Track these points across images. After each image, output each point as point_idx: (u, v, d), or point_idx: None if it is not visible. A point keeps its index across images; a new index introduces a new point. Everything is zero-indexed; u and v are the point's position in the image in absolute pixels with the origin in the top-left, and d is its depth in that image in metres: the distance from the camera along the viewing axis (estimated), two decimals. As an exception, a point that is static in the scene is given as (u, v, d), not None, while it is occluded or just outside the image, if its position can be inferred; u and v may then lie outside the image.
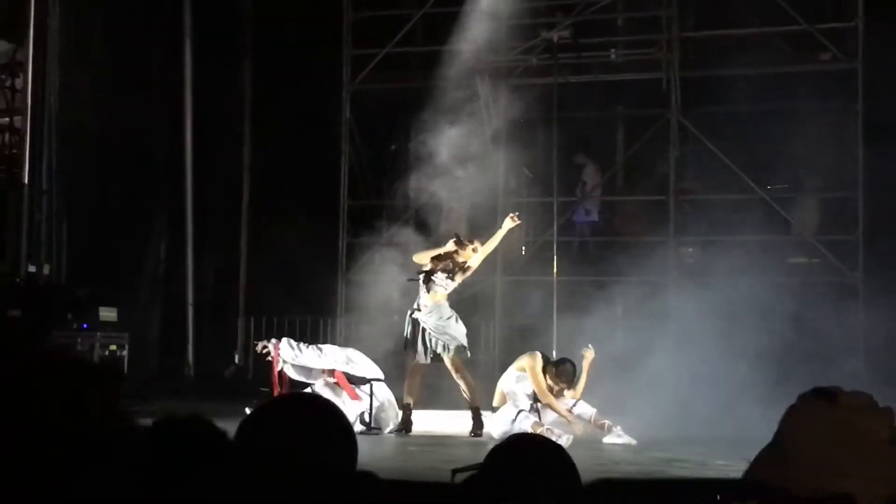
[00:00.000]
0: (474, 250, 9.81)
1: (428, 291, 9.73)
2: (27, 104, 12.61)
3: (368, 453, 8.10)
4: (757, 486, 1.74)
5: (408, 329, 9.80)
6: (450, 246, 9.82)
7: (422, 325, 9.67)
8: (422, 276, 9.79)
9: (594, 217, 14.43)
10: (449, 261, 9.74)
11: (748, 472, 1.83)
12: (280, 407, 2.07)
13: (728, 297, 11.71)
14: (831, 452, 1.74)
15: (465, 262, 9.76)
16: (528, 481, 2.07)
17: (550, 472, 2.11)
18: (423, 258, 9.85)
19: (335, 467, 1.80)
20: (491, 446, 2.24)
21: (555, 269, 12.45)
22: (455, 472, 2.11)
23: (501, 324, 13.24)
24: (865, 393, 1.82)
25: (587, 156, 14.47)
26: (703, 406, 9.42)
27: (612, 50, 13.40)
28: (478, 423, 9.45)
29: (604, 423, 9.20)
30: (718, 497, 1.53)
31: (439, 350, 9.64)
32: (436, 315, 9.68)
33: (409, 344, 9.74)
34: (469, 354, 9.89)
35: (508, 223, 9.77)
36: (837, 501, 1.68)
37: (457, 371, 9.66)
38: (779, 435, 1.83)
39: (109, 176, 13.62)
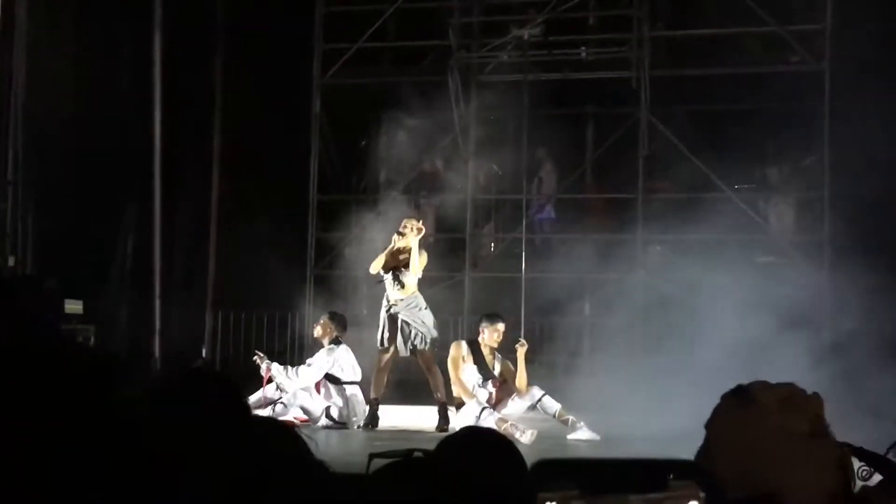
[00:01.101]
0: (412, 229, 9.81)
1: (402, 286, 9.74)
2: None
3: (335, 448, 8.07)
4: (701, 468, 1.74)
5: (384, 325, 9.78)
6: (398, 241, 9.83)
7: (401, 318, 9.68)
8: (388, 276, 9.78)
9: (551, 214, 14.45)
10: (406, 254, 9.78)
11: None
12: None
13: (695, 295, 11.78)
14: (752, 452, 1.74)
15: (410, 247, 9.80)
16: (476, 474, 2.07)
17: (498, 466, 2.11)
18: (378, 264, 9.86)
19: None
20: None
21: (523, 266, 12.47)
22: (372, 456, 2.11)
23: (470, 320, 13.24)
24: (788, 384, 1.81)
25: (547, 153, 14.50)
26: (670, 403, 9.45)
27: (583, 48, 13.44)
28: (444, 419, 9.48)
29: (568, 419, 9.21)
30: (667, 475, 1.54)
31: (417, 343, 9.66)
32: (413, 305, 9.73)
33: (388, 340, 9.73)
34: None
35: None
36: (763, 502, 1.68)
37: (429, 365, 9.70)
38: (706, 437, 1.84)
39: (77, 167, 13.51)
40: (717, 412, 1.82)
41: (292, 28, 14.27)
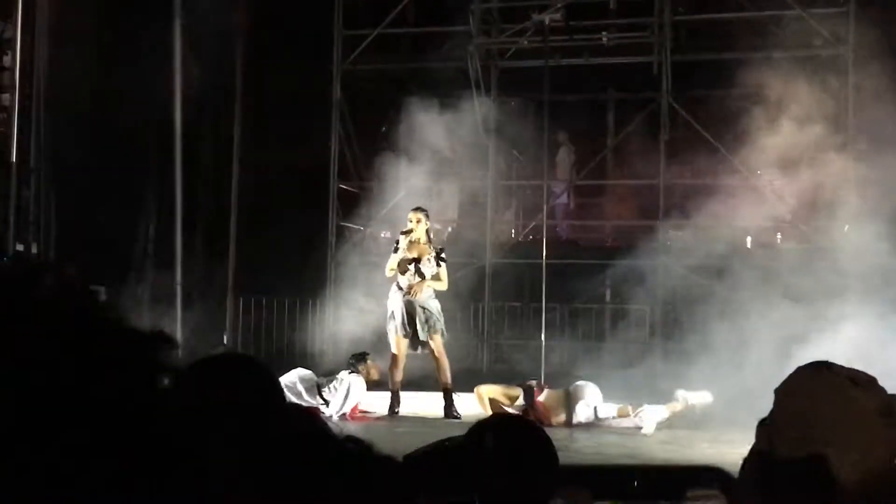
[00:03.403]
0: (418, 221, 9.77)
1: (421, 277, 9.73)
2: (15, 81, 12.52)
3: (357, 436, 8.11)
4: (724, 474, 1.74)
5: (402, 313, 9.76)
6: (404, 240, 9.78)
7: (418, 305, 9.66)
8: (411, 267, 9.75)
9: (564, 200, 14.40)
10: (415, 250, 9.76)
11: (756, 441, 1.85)
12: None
13: (717, 281, 11.75)
14: (816, 419, 1.75)
15: (421, 240, 9.77)
16: (507, 461, 2.07)
17: (530, 455, 2.11)
18: (392, 265, 9.83)
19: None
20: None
21: (543, 252, 12.46)
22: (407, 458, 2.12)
23: (490, 306, 13.25)
24: (861, 371, 1.83)
25: (567, 138, 14.47)
26: (692, 387, 9.44)
27: (604, 33, 13.37)
28: (450, 405, 9.51)
29: (627, 410, 9.08)
30: (687, 481, 1.54)
31: (434, 332, 9.64)
32: (428, 295, 9.73)
33: (408, 325, 9.72)
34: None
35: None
36: (812, 463, 1.68)
37: (441, 353, 9.69)
38: (775, 401, 1.85)
39: (98, 155, 13.55)
40: (791, 377, 1.84)
41: (313, 14, 14.26)
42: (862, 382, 1.78)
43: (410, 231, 9.78)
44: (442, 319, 9.78)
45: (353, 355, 9.98)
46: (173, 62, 13.87)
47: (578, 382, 9.37)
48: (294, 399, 9.13)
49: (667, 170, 13.15)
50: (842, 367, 1.82)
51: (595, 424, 8.93)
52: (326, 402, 9.41)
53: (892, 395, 1.80)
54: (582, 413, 9.01)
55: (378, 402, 9.88)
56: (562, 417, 9.10)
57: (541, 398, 9.17)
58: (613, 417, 8.97)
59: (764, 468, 1.78)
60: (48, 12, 12.66)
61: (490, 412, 9.02)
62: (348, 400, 9.47)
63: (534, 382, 9.49)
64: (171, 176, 14.07)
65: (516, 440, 2.14)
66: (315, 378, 9.65)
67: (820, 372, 1.78)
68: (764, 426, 1.79)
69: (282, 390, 1.89)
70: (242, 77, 14.53)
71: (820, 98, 12.64)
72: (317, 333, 13.72)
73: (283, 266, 13.19)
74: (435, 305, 9.76)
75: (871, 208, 10.72)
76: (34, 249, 12.90)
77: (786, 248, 12.71)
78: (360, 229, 14.65)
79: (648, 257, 13.03)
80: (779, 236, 12.70)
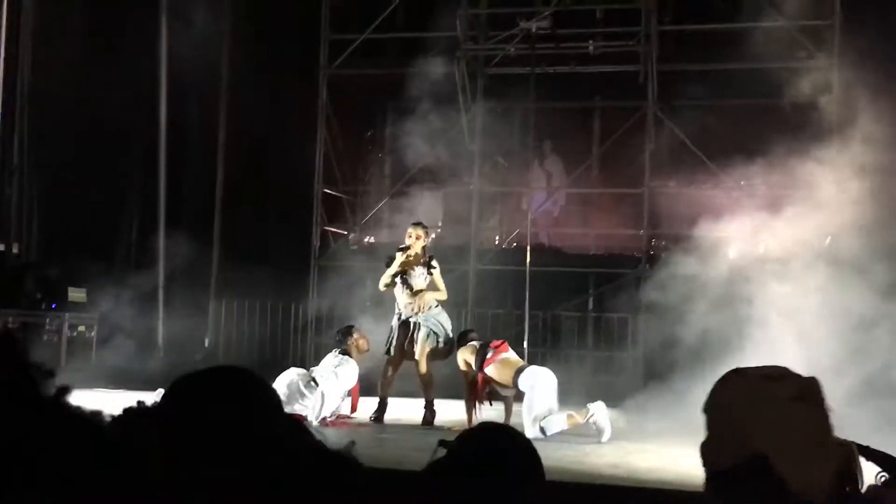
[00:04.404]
0: (418, 237, 9.71)
1: (411, 290, 9.63)
2: (-1, 80, 12.48)
3: (338, 441, 8.07)
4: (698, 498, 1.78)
5: (396, 333, 9.67)
6: (400, 257, 9.70)
7: (414, 324, 9.56)
8: (398, 281, 9.67)
9: (549, 207, 14.37)
10: (411, 259, 9.68)
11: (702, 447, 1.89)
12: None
13: (701, 291, 11.76)
14: (741, 420, 1.81)
15: (422, 254, 9.68)
16: (490, 470, 2.06)
17: (513, 463, 2.10)
18: (386, 280, 9.73)
19: None
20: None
21: (528, 260, 12.46)
22: (441, 443, 2.12)
23: (473, 312, 13.24)
24: (777, 366, 1.89)
25: (552, 146, 14.49)
26: (676, 398, 9.45)
27: (591, 42, 13.39)
28: (431, 412, 9.45)
29: (577, 420, 8.94)
30: None
31: (427, 339, 9.52)
32: (434, 311, 9.62)
33: (396, 349, 9.62)
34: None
35: None
36: (752, 464, 1.72)
37: (423, 370, 9.57)
38: (706, 419, 1.91)
39: (82, 154, 13.50)
40: (711, 393, 1.90)
41: (300, 17, 14.24)
42: (775, 376, 1.83)
43: (408, 248, 9.71)
44: (445, 335, 9.61)
45: (339, 331, 9.88)
46: (159, 63, 13.83)
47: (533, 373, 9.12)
48: (297, 396, 9.13)
49: (651, 178, 13.18)
50: (753, 367, 1.87)
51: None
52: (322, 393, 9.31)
53: (807, 379, 1.84)
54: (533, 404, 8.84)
55: (365, 408, 9.83)
56: (508, 392, 9.00)
57: (490, 370, 9.02)
58: (565, 429, 8.75)
59: (720, 487, 1.82)
60: (33, 12, 12.60)
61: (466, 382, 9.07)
62: (343, 383, 9.39)
63: (489, 350, 9.17)
64: (155, 177, 14.03)
65: (500, 451, 2.13)
66: (310, 374, 9.54)
67: (734, 379, 1.85)
68: (705, 446, 1.83)
69: (279, 405, 1.86)
70: (228, 79, 14.49)
71: (805, 109, 12.70)
72: (299, 338, 13.69)
73: (267, 270, 13.14)
74: (437, 321, 9.61)
75: (856, 219, 10.76)
76: (15, 249, 12.83)
77: (769, 259, 12.74)
78: (344, 234, 14.63)
79: (632, 266, 13.06)
80: (762, 247, 12.72)
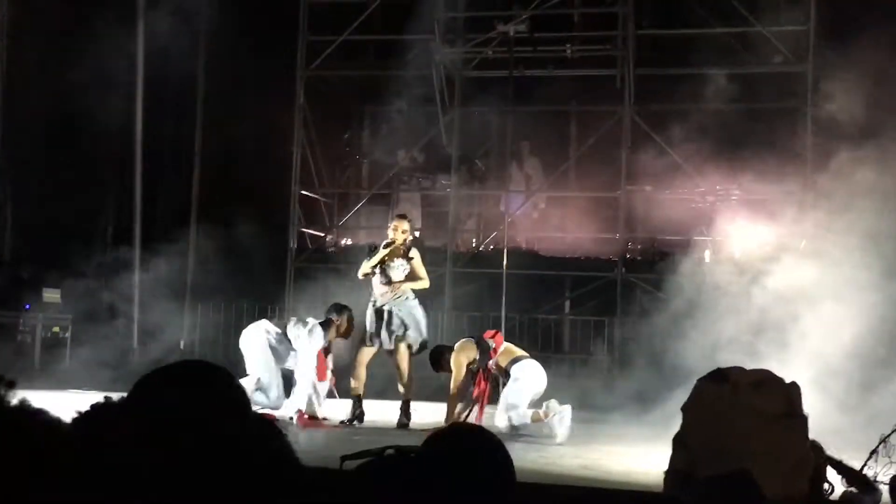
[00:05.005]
0: (404, 231, 9.73)
1: (389, 282, 9.63)
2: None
3: (310, 442, 7.98)
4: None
5: (370, 321, 9.67)
6: (385, 248, 9.72)
7: (386, 311, 9.56)
8: (377, 271, 9.67)
9: (526, 210, 14.37)
10: (393, 251, 9.68)
11: (669, 459, 1.86)
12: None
13: (675, 295, 11.81)
14: (725, 431, 1.78)
15: (403, 245, 9.69)
16: (462, 470, 2.06)
17: (485, 463, 2.10)
18: (365, 270, 9.73)
19: None
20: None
21: (504, 263, 12.48)
22: (344, 459, 2.11)
23: (450, 315, 13.24)
24: (763, 370, 1.86)
25: (531, 149, 14.51)
26: (647, 401, 9.49)
27: (568, 45, 13.44)
28: (403, 411, 9.45)
29: (540, 415, 9.07)
30: None
31: (400, 334, 9.54)
32: (403, 299, 9.62)
33: (372, 336, 9.63)
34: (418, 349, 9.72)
35: None
36: (735, 479, 1.71)
37: (401, 362, 9.58)
38: (683, 418, 1.88)
39: (57, 155, 13.42)
40: (693, 394, 1.87)
41: (277, 18, 14.21)
42: (762, 385, 1.81)
43: (392, 242, 9.71)
44: (417, 328, 9.62)
45: (334, 304, 9.93)
46: (136, 63, 13.77)
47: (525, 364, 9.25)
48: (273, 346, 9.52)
49: (628, 182, 13.23)
50: (739, 371, 1.85)
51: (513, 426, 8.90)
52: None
53: (792, 388, 1.82)
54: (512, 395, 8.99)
55: (338, 410, 9.82)
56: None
57: (491, 363, 9.18)
58: (528, 424, 8.95)
59: (687, 488, 1.81)
60: (8, 11, 12.52)
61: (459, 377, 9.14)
62: (311, 345, 9.49)
63: (490, 342, 9.32)
64: (131, 178, 13.96)
65: (471, 450, 2.13)
66: (279, 330, 9.72)
67: (720, 384, 1.81)
68: (679, 445, 1.81)
69: (246, 401, 1.86)
70: (204, 80, 14.44)
71: (781, 113, 12.78)
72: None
73: (243, 271, 13.11)
74: (411, 312, 9.62)
75: (830, 224, 10.82)
76: (-10, 250, 12.75)
77: (743, 263, 12.80)
78: (321, 236, 14.60)
79: (608, 269, 13.10)
80: (737, 251, 12.79)
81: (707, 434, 1.61)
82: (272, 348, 9.70)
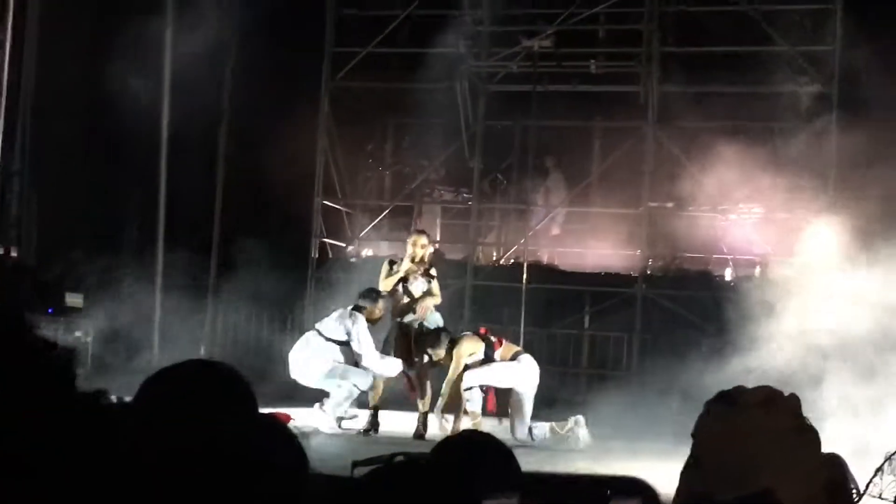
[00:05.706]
0: (423, 246, 9.80)
1: (411, 297, 9.72)
2: (3, 82, 12.51)
3: (324, 446, 8.02)
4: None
5: (395, 336, 9.75)
6: (402, 262, 9.79)
7: (415, 329, 9.66)
8: (399, 288, 9.76)
9: (548, 224, 14.37)
10: (416, 267, 9.75)
11: (680, 483, 1.86)
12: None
13: (695, 313, 11.78)
14: (739, 452, 1.77)
15: (423, 258, 9.76)
16: (471, 478, 2.08)
17: (493, 471, 2.12)
18: (390, 284, 9.80)
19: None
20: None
21: (524, 277, 12.48)
22: (356, 464, 2.13)
23: (469, 328, 13.24)
24: (766, 386, 1.85)
25: (556, 163, 14.52)
26: (659, 420, 9.47)
27: (592, 61, 13.46)
28: (421, 422, 9.51)
29: (556, 429, 9.29)
30: (608, 492, 1.57)
31: (421, 351, 9.61)
32: (426, 314, 9.73)
33: (396, 353, 9.70)
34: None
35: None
36: (758, 499, 1.70)
37: (422, 377, 9.66)
38: (693, 444, 1.87)
39: (82, 159, 13.53)
40: (702, 419, 1.86)
41: (303, 30, 14.29)
42: (774, 402, 1.80)
43: (414, 257, 9.79)
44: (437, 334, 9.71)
45: (367, 290, 9.93)
46: (163, 71, 13.87)
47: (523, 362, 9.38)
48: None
49: (650, 199, 13.21)
50: (750, 392, 1.84)
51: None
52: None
53: (794, 401, 1.82)
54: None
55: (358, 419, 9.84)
56: None
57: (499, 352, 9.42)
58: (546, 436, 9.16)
59: None
60: (39, 18, 12.65)
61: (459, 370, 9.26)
62: (362, 327, 9.55)
63: (493, 338, 9.51)
64: (156, 184, 14.05)
65: (480, 459, 2.15)
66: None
67: (731, 406, 1.80)
68: (691, 469, 1.80)
69: (254, 401, 1.87)
70: (230, 88, 14.53)
71: (804, 134, 12.74)
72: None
73: (264, 280, 13.16)
74: (436, 324, 9.74)
75: (850, 241, 10.77)
76: (14, 253, 12.85)
77: (766, 282, 12.76)
78: (342, 246, 14.65)
79: (629, 286, 13.07)
80: (757, 269, 12.75)
81: (722, 457, 1.60)
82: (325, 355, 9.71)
